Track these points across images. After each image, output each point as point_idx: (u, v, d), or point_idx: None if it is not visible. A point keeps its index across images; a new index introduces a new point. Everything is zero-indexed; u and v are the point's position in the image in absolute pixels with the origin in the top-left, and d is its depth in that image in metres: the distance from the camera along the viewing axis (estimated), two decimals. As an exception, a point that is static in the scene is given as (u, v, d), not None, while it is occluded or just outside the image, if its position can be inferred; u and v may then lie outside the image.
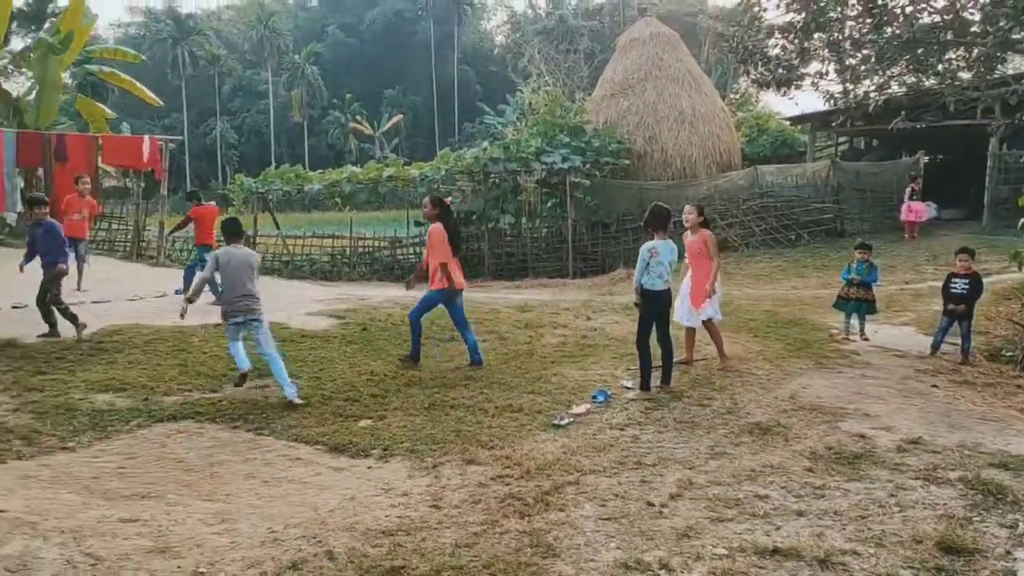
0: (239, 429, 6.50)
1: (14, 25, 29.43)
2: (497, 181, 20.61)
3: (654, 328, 7.63)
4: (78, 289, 12.26)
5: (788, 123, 25.59)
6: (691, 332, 8.69)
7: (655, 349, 7.69)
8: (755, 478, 5.41)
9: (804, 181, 20.58)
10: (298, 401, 7.11)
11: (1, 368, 7.76)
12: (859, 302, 10.12)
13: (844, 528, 4.57)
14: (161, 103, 27.41)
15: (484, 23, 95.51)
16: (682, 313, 8.36)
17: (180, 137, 31.50)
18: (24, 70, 26.37)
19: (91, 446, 6.04)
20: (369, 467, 5.71)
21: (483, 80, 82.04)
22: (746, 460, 5.77)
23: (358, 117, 74.74)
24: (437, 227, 8.55)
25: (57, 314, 9.07)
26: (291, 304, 11.86)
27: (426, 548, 4.35)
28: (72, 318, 9.06)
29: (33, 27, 32.74)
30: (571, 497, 5.08)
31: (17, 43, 31.44)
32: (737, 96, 49.96)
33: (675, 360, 8.03)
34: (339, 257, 21.46)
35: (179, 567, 4.10)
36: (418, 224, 22.44)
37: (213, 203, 13.57)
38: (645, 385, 7.49)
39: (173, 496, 5.11)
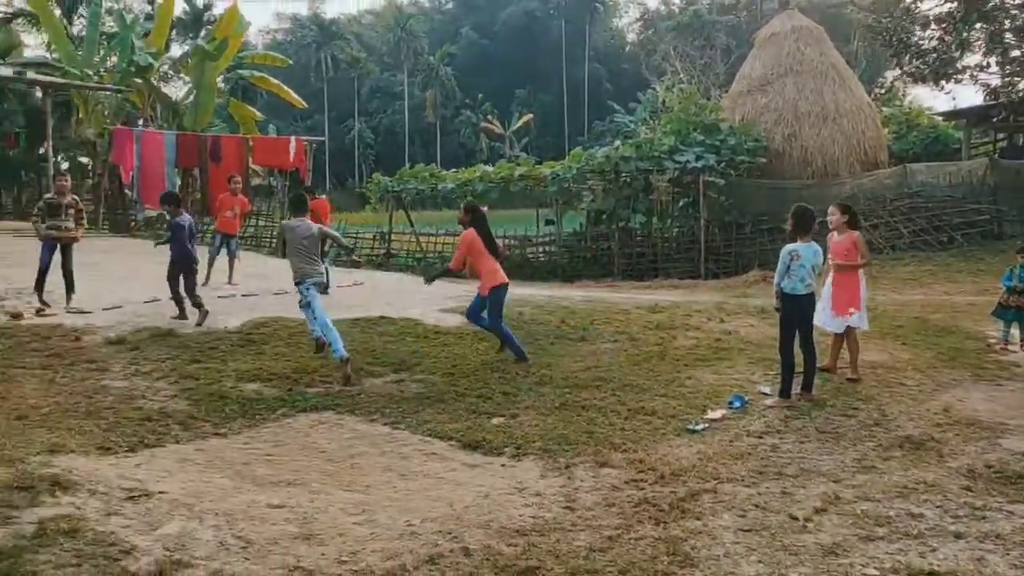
0: (376, 422, 6.69)
1: (174, 33, 31.41)
2: (628, 180, 20.40)
3: (796, 333, 7.34)
4: (229, 282, 13.00)
5: (940, 119, 24.16)
6: (837, 338, 8.30)
7: (798, 355, 7.40)
8: (907, 495, 5.12)
9: (958, 180, 19.36)
10: (346, 355, 7.81)
11: (161, 356, 8.28)
12: (1021, 310, 9.43)
13: (1008, 553, 4.26)
14: (305, 105, 28.65)
15: (616, 20, 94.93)
16: (823, 318, 7.99)
17: (322, 137, 32.83)
18: (182, 75, 28.08)
19: (241, 433, 6.35)
20: (502, 465, 5.74)
21: (613, 78, 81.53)
22: (896, 476, 5.46)
23: (489, 117, 75.78)
24: (470, 232, 8.83)
25: (192, 301, 9.85)
26: (424, 300, 12.12)
27: (560, 550, 4.34)
28: (181, 309, 9.84)
29: (191, 34, 34.85)
30: (708, 505, 4.95)
31: (176, 50, 33.59)
32: (882, 91, 47.62)
33: (817, 367, 7.70)
34: (471, 255, 21.76)
35: (323, 554, 4.24)
36: (548, 223, 22.52)
37: (324, 196, 14.16)
38: (785, 392, 7.22)
39: (316, 484, 5.30)
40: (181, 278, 9.92)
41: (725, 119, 21.22)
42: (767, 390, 7.60)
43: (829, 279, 8.24)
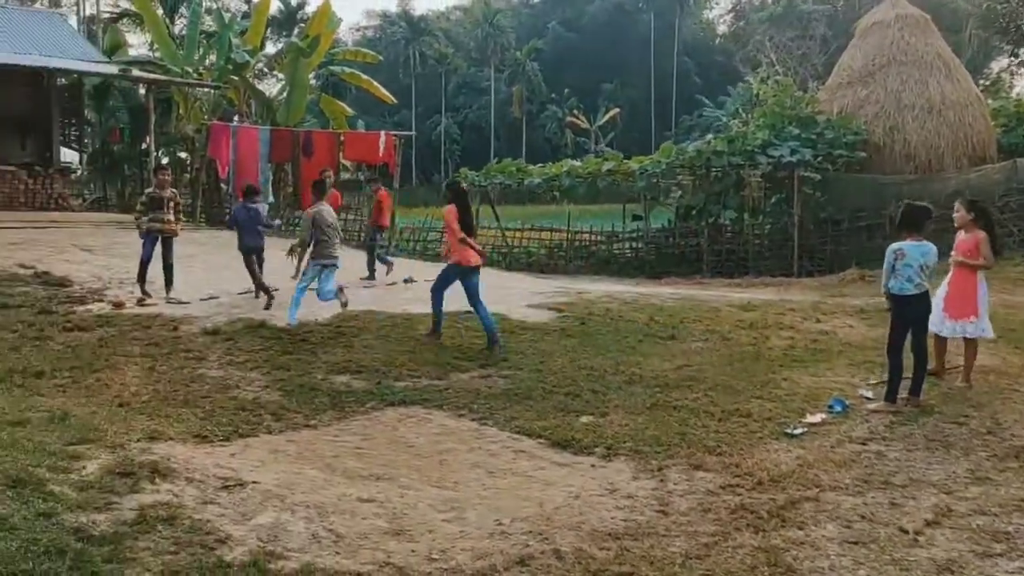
0: (464, 418, 6.65)
1: (268, 31, 32.24)
2: (719, 175, 19.92)
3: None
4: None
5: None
6: (940, 340, 7.86)
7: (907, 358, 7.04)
8: (1027, 511, 4.79)
9: (1074, 175, 18.22)
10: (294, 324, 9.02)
11: (255, 347, 8.44)
12: None
13: None
14: (394, 100, 28.97)
15: (707, 12, 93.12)
16: (934, 319, 7.54)
17: (411, 132, 33.21)
18: (276, 72, 28.77)
19: (331, 425, 6.40)
20: (592, 465, 5.62)
21: (703, 72, 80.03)
22: (1014, 488, 5.13)
23: (575, 111, 75.38)
24: (451, 208, 9.09)
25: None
26: (511, 296, 12.05)
27: (655, 556, 4.19)
28: (262, 288, 10.58)
29: (284, 32, 35.72)
30: (810, 514, 4.73)
31: (271, 48, 34.49)
32: (986, 82, 45.46)
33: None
34: (556, 250, 21.65)
35: (413, 551, 4.20)
36: (636, 218, 22.20)
37: (383, 187, 14.77)
38: (891, 396, 6.86)
39: (405, 480, 5.28)
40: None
41: (822, 112, 20.47)
42: (869, 394, 7.27)
43: (946, 278, 7.82)
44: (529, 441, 6.09)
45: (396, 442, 6.05)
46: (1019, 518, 4.66)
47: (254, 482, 4.99)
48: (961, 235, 7.81)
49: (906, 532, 4.49)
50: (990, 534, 4.44)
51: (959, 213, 7.75)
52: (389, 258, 14.08)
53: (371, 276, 13.50)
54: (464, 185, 10.35)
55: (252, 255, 10.80)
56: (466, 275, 8.95)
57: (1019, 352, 9.07)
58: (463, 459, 5.73)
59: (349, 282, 11.12)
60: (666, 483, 5.24)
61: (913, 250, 6.82)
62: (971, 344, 7.63)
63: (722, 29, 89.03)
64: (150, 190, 11.13)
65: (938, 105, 19.55)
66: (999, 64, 56.60)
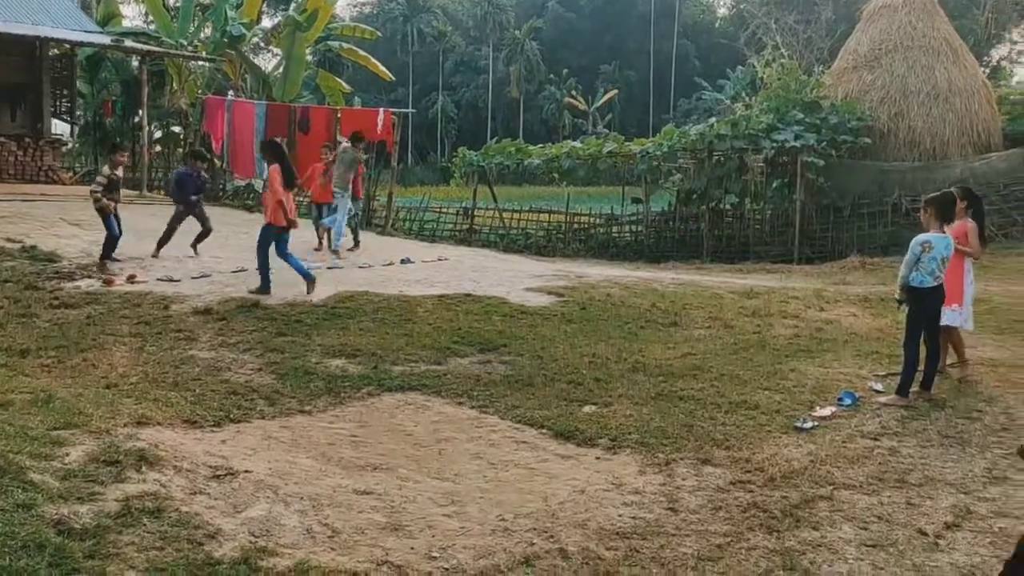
0: (463, 405, 6.44)
1: (265, 5, 31.75)
2: (721, 159, 19.66)
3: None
4: (318, 248, 13.43)
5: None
6: (951, 332, 7.65)
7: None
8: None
9: (1081, 165, 18.03)
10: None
11: (248, 328, 8.20)
12: None
13: None
14: (391, 77, 28.59)
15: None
16: None
17: (410, 110, 32.62)
18: (273, 47, 28.35)
19: (326, 411, 6.19)
20: (597, 457, 5.42)
21: (702, 54, 79.40)
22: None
23: (573, 92, 74.83)
24: (276, 168, 9.56)
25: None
26: (510, 279, 11.84)
27: (665, 557, 4.00)
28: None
29: (282, 6, 35.17)
30: (825, 514, 4.54)
31: (267, 22, 33.96)
32: (987, 69, 45.15)
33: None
34: (554, 232, 21.41)
35: (412, 548, 4.00)
36: (635, 201, 21.96)
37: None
38: (903, 391, 6.66)
39: (404, 470, 5.08)
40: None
41: (827, 96, 20.21)
42: (879, 387, 7.08)
43: None
44: (531, 431, 5.88)
45: (393, 430, 5.84)
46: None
47: (246, 471, 4.78)
48: (953, 224, 7.57)
49: (926, 535, 4.31)
50: (1013, 537, 4.24)
51: None
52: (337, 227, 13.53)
53: (356, 244, 13.93)
54: (279, 139, 10.91)
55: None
56: (280, 233, 9.67)
57: (1028, 345, 8.88)
58: (463, 449, 5.53)
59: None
60: (674, 478, 5.05)
61: (939, 242, 6.61)
62: (954, 334, 7.40)
63: (722, 12, 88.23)
64: (108, 171, 10.96)
65: (944, 91, 19.33)
66: (999, 52, 56.23)
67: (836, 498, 4.76)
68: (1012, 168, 18.13)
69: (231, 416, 5.87)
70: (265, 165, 18.76)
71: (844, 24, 30.69)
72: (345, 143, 13.73)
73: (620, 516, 4.49)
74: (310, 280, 9.60)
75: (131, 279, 9.97)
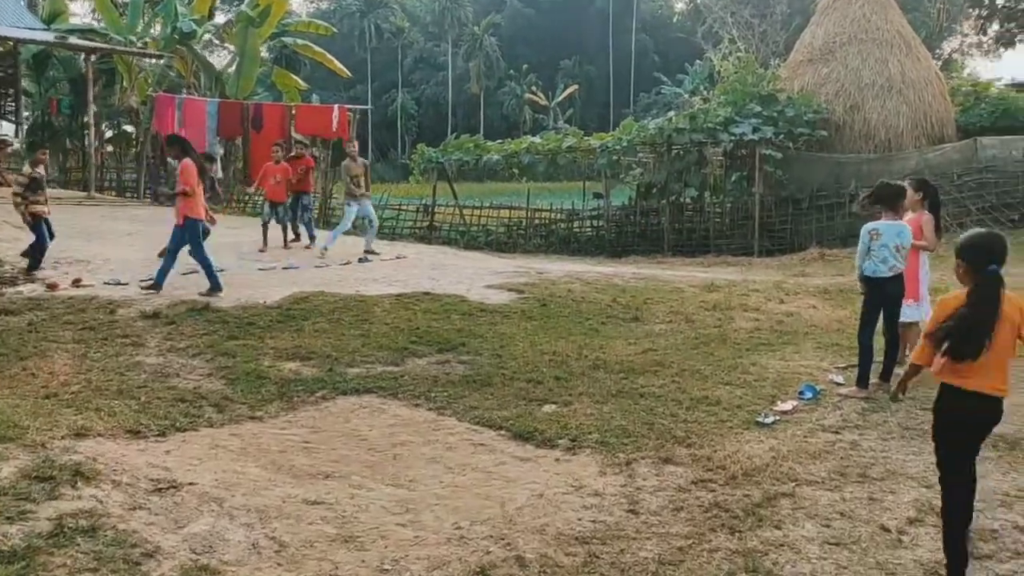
0: (420, 407, 6.27)
1: (219, 1, 31.18)
2: (681, 153, 19.67)
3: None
4: (286, 246, 13.61)
5: (1014, 91, 22.89)
6: (910, 327, 7.63)
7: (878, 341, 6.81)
8: (1011, 504, 4.58)
9: (1033, 154, 18.35)
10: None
11: (198, 332, 7.95)
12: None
13: None
14: (349, 74, 28.24)
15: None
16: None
17: (367, 106, 32.17)
18: (226, 43, 27.85)
19: (278, 416, 5.99)
20: (556, 459, 5.29)
21: (661, 49, 79.81)
22: (995, 481, 4.91)
23: (533, 88, 74.78)
24: (188, 162, 9.43)
25: None
26: (469, 276, 11.68)
27: (625, 563, 3.89)
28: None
29: (235, 1, 34.57)
30: (787, 512, 4.46)
31: (221, 18, 33.33)
32: (939, 62, 45.89)
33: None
34: (515, 228, 21.28)
35: (363, 561, 3.84)
36: (596, 196, 21.92)
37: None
38: (862, 382, 6.64)
39: (357, 477, 4.91)
40: None
41: (783, 89, 20.33)
42: (840, 379, 7.05)
43: None
44: (489, 433, 5.74)
45: (347, 435, 5.66)
46: (1004, 514, 4.45)
47: (190, 483, 4.58)
48: (908, 215, 7.57)
49: (888, 531, 4.25)
50: (976, 532, 4.20)
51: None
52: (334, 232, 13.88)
53: (312, 239, 14.05)
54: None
55: None
56: (199, 226, 9.64)
57: (985, 334, 8.92)
58: (419, 453, 5.36)
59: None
60: (635, 479, 4.93)
61: (888, 230, 6.57)
62: (910, 328, 7.38)
63: (680, 7, 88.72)
64: (29, 171, 10.65)
65: (898, 84, 19.53)
66: (950, 45, 57.27)
67: (798, 495, 4.68)
68: (966, 158, 18.38)
69: (177, 425, 5.64)
70: (219, 165, 18.58)
71: (799, 17, 31.00)
72: (348, 156, 13.94)
73: (580, 520, 4.37)
74: (217, 289, 9.32)
75: (76, 283, 9.64)
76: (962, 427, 3.75)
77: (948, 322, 3.62)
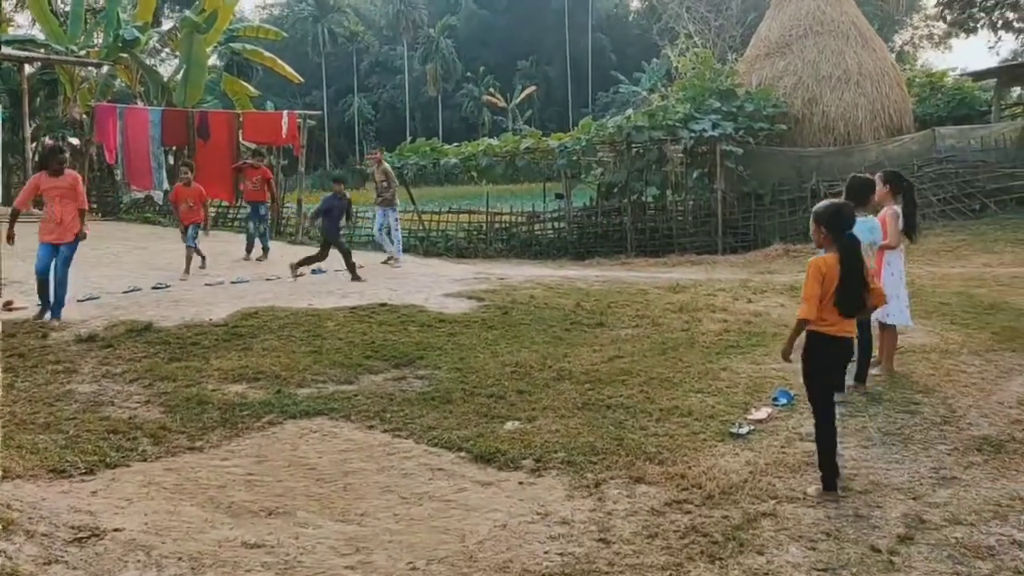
0: (375, 429, 5.86)
1: (165, 7, 30.38)
2: (641, 151, 19.43)
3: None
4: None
5: (969, 79, 23.01)
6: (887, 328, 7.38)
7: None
8: (1004, 516, 4.30)
9: (990, 144, 18.37)
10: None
11: (137, 354, 7.46)
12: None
13: None
14: (302, 80, 27.69)
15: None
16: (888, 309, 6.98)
17: (318, 112, 31.52)
18: (172, 51, 27.11)
19: (220, 446, 5.54)
20: (520, 483, 4.92)
21: (618, 48, 79.97)
22: (985, 489, 4.65)
23: (491, 90, 74.43)
24: (75, 175, 9.02)
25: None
26: (428, 284, 11.30)
27: (598, 603, 3.52)
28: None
29: (180, 7, 33.78)
30: (770, 535, 4.13)
31: (167, 24, 32.50)
32: (892, 54, 46.44)
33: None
34: (475, 233, 20.88)
35: (305, 615, 3.43)
36: (558, 197, 21.60)
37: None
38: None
39: (303, 513, 4.49)
40: None
41: (741, 84, 20.19)
42: (814, 382, 6.75)
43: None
44: (448, 455, 5.35)
45: (295, 464, 5.24)
46: (998, 527, 4.16)
47: (115, 529, 4.13)
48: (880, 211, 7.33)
49: (879, 551, 3.94)
50: (971, 549, 3.92)
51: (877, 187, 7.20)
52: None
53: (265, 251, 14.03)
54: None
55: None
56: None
57: (956, 327, 8.76)
58: (372, 482, 4.96)
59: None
60: (605, 502, 4.58)
61: (860, 227, 6.28)
62: (887, 331, 7.13)
63: (635, 4, 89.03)
64: None
65: (855, 75, 19.49)
66: (902, 37, 58.06)
67: (780, 514, 4.36)
68: (925, 149, 18.37)
69: (107, 460, 5.17)
70: (164, 175, 17.92)
71: (754, 12, 31.05)
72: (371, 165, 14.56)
73: (547, 553, 4.00)
74: (55, 316, 8.56)
75: (7, 306, 9.08)
76: (834, 365, 4.70)
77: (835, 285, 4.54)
